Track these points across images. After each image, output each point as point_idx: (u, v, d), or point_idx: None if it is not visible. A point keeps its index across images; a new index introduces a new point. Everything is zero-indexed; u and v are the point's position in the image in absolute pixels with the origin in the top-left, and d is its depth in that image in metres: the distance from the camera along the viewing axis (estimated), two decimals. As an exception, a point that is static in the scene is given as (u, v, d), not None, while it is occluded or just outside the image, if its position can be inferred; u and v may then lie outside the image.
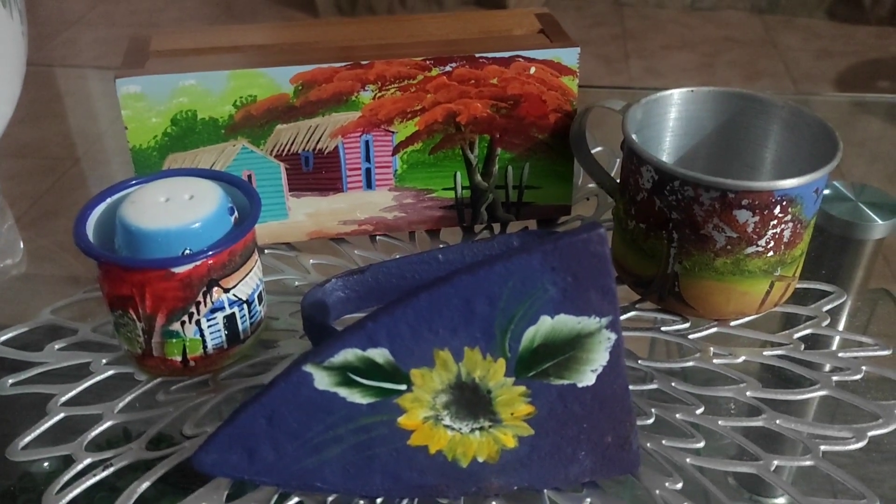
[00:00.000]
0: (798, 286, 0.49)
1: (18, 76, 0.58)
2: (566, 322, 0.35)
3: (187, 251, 0.41)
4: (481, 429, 0.37)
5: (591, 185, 0.60)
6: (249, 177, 0.52)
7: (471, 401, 0.36)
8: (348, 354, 0.35)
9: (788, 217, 0.43)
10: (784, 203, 0.43)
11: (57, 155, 0.72)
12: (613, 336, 0.35)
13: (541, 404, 0.36)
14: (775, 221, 0.43)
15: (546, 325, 0.35)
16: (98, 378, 0.45)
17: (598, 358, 0.36)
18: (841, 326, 0.49)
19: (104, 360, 0.45)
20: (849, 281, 0.54)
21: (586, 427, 0.37)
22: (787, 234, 0.44)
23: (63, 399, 0.43)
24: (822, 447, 0.40)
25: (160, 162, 0.50)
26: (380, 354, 0.35)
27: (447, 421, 0.36)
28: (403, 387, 0.35)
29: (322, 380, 0.35)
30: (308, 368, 0.35)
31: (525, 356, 0.35)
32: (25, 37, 0.58)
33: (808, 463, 0.39)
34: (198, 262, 0.41)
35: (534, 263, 0.34)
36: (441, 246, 0.55)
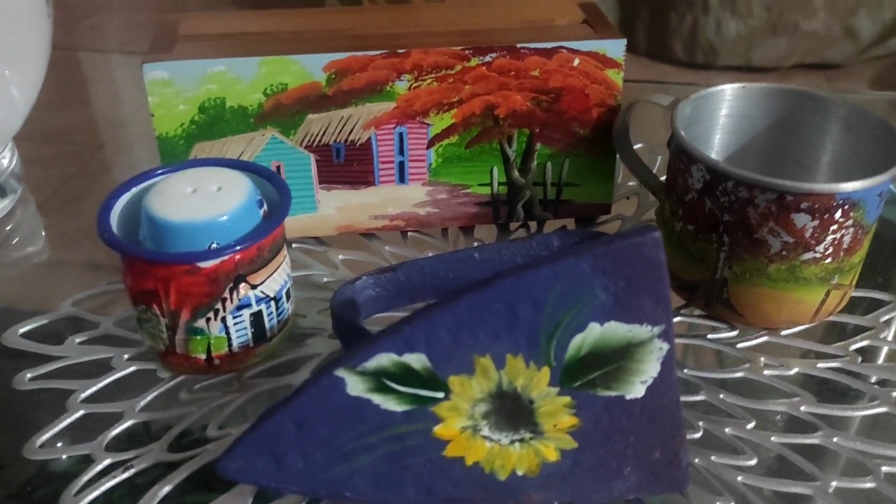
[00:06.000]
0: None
1: (43, 59, 0.57)
2: (616, 330, 0.33)
3: (214, 245, 0.39)
4: (522, 440, 0.35)
5: (631, 183, 0.58)
6: (278, 168, 0.50)
7: (511, 411, 0.34)
8: (383, 359, 0.33)
9: (850, 222, 0.41)
10: (846, 207, 0.40)
11: (83, 140, 0.70)
12: (666, 346, 0.33)
13: (586, 416, 0.34)
14: (836, 226, 0.41)
15: (595, 333, 0.33)
16: (119, 374, 0.43)
17: (649, 369, 0.33)
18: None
19: (126, 356, 0.44)
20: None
21: (633, 441, 0.35)
22: (847, 239, 0.42)
23: (83, 395, 0.42)
24: (884, 468, 0.38)
25: (187, 151, 0.48)
26: (416, 360, 0.33)
27: (486, 431, 0.34)
28: (441, 395, 0.33)
29: (355, 385, 0.33)
30: (340, 373, 0.33)
31: (571, 365, 0.33)
32: (51, 18, 0.56)
33: (869, 485, 0.37)
34: (224, 258, 0.39)
35: (584, 267, 0.31)
36: (476, 244, 0.53)
